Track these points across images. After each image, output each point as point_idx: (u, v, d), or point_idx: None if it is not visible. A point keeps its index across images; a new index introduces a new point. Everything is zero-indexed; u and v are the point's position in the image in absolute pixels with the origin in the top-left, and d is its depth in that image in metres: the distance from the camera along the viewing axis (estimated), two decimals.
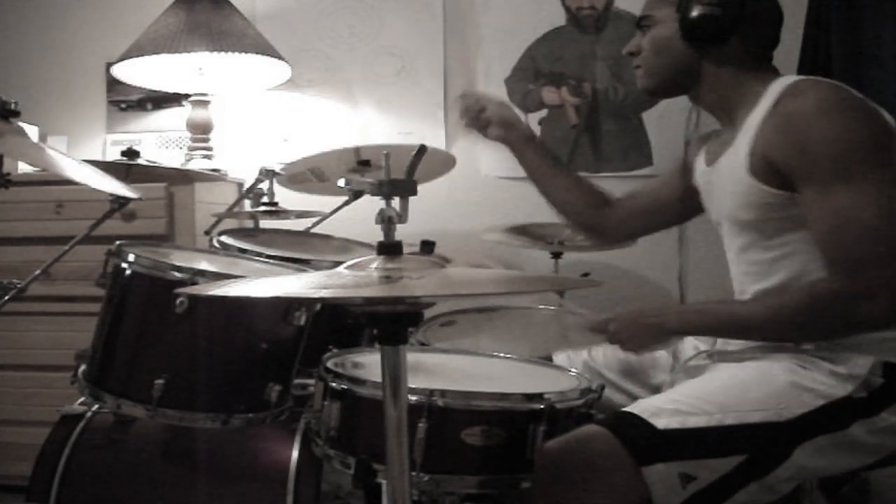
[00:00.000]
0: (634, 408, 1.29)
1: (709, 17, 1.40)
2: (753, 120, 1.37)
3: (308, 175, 2.20)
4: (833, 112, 1.29)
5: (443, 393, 1.26)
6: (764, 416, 1.26)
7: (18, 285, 1.69)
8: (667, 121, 2.60)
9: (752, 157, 1.35)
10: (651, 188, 1.78)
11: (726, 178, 1.44)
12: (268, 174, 2.16)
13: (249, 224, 2.50)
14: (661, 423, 1.24)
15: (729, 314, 1.40)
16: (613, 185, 2.64)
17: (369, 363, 1.46)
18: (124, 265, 1.53)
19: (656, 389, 1.54)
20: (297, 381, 1.60)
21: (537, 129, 2.69)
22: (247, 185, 2.25)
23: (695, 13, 1.41)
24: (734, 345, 1.46)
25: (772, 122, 1.33)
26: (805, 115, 1.29)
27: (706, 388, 1.33)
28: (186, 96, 2.72)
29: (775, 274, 1.40)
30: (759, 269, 1.43)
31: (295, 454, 1.62)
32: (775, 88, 1.36)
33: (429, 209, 2.64)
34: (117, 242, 1.57)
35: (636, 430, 1.24)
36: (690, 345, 1.56)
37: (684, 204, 1.63)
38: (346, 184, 1.19)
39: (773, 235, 1.38)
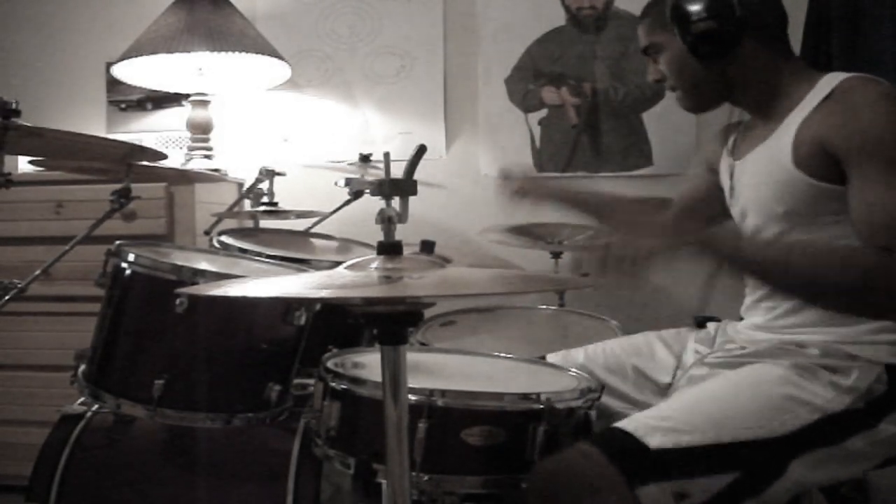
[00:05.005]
0: (628, 424, 1.26)
1: (708, 32, 1.39)
2: (799, 113, 1.37)
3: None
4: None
5: (443, 393, 1.26)
6: (758, 432, 1.24)
7: (18, 285, 1.69)
8: (667, 121, 2.61)
9: (797, 148, 1.34)
10: (685, 191, 1.76)
11: (761, 170, 1.43)
12: (268, 174, 2.17)
13: (249, 224, 2.50)
14: (654, 442, 1.22)
15: (785, 259, 1.27)
16: (613, 185, 2.67)
17: (369, 363, 1.46)
18: (124, 265, 1.53)
19: (654, 391, 1.54)
20: (297, 381, 1.60)
21: (537, 130, 2.69)
22: (247, 185, 2.25)
23: (694, 33, 1.40)
24: (733, 350, 1.46)
25: (828, 109, 1.33)
26: (869, 103, 1.29)
27: (701, 403, 1.31)
28: (186, 96, 2.72)
29: None
30: None
31: (295, 454, 1.62)
32: (827, 83, 1.36)
33: (429, 209, 2.64)
34: (117, 242, 1.57)
35: (628, 451, 1.22)
36: (692, 349, 1.56)
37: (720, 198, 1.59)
38: (346, 183, 1.19)
39: (798, 231, 1.37)
